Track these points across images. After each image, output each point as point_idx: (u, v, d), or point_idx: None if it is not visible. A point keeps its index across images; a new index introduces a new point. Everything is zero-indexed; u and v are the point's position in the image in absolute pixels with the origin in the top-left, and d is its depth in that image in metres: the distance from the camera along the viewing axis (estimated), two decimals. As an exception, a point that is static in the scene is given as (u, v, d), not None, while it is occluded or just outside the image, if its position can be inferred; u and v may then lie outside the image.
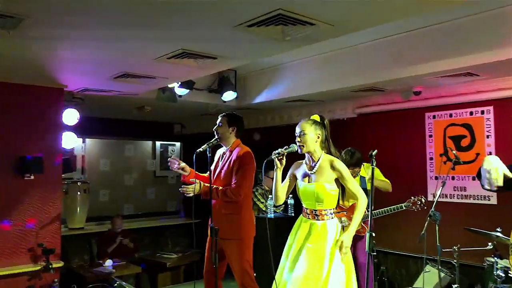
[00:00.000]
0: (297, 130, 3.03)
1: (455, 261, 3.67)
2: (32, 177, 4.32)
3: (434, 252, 3.60)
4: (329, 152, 3.07)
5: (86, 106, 5.87)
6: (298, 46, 3.22)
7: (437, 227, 3.53)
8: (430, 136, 4.97)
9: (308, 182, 3.02)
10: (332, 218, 2.99)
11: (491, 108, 4.48)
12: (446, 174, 4.77)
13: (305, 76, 5.19)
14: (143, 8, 2.43)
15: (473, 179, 4.62)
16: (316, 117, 3.09)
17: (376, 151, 2.61)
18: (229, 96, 5.60)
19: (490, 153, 4.45)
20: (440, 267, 3.86)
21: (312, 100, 5.74)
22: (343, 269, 2.82)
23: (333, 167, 2.96)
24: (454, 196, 4.79)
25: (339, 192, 3.03)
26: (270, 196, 5.27)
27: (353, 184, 2.97)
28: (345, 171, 2.97)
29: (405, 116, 5.18)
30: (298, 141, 2.99)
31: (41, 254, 4.25)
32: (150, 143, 8.18)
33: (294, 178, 3.17)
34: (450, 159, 4.85)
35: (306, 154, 3.06)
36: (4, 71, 3.96)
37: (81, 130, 6.81)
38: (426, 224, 3.56)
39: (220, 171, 3.70)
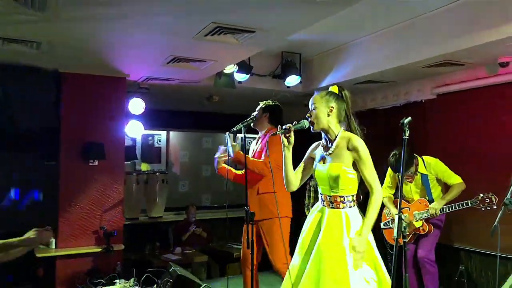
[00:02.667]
0: (310, 103, 2.62)
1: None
2: (96, 162, 4.54)
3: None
4: (349, 129, 2.59)
5: (161, 98, 6.12)
6: (335, 11, 2.87)
7: (515, 218, 2.92)
8: (523, 115, 4.19)
9: (323, 163, 2.60)
10: (351, 207, 2.52)
11: None
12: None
13: (372, 54, 4.73)
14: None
15: None
16: (334, 88, 2.64)
17: (409, 118, 2.16)
18: (292, 80, 5.35)
19: None
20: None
21: (383, 82, 5.23)
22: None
23: (350, 146, 2.48)
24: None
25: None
26: None
27: (370, 172, 2.44)
28: (364, 151, 2.45)
29: (492, 93, 4.44)
30: (309, 117, 2.57)
31: (102, 237, 4.44)
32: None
33: (311, 161, 2.72)
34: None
35: (322, 133, 2.63)
36: (68, 61, 4.21)
37: (162, 123, 7.29)
38: (500, 214, 2.95)
39: (253, 154, 3.75)
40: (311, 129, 2.60)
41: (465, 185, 3.96)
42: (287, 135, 2.55)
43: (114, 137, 4.66)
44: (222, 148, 3.80)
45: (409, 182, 4.10)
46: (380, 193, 2.45)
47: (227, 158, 3.67)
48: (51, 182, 4.70)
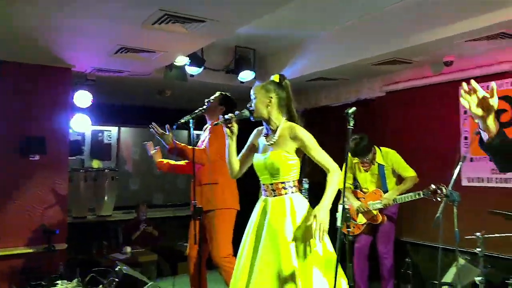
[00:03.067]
0: (251, 93, 2.61)
1: (478, 250, 3.12)
2: (36, 157, 4.29)
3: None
4: (290, 119, 2.58)
5: (111, 92, 5.90)
6: (283, 3, 2.85)
7: (455, 210, 3.00)
8: (465, 112, 4.36)
9: (264, 153, 2.57)
10: (294, 192, 2.49)
11: (536, 76, 3.84)
12: (483, 154, 4.21)
13: (325, 51, 4.78)
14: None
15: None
16: (275, 77, 2.62)
17: (354, 108, 2.16)
18: (246, 76, 5.30)
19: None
20: (467, 258, 3.33)
21: (336, 79, 5.30)
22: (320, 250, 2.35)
23: (293, 135, 2.47)
24: (492, 180, 4.16)
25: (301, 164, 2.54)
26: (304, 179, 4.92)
27: (319, 154, 2.43)
28: (308, 138, 2.45)
29: (437, 91, 4.60)
30: (249, 106, 2.57)
31: (43, 236, 4.20)
32: (182, 132, 8.08)
33: (253, 148, 2.69)
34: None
35: (265, 125, 2.61)
36: (6, 49, 3.94)
37: (113, 118, 7.04)
38: (442, 206, 3.03)
39: (199, 145, 3.69)
40: (251, 119, 2.58)
41: (418, 179, 4.06)
42: (229, 125, 2.53)
43: (57, 131, 4.43)
44: (147, 145, 3.87)
45: (364, 170, 4.15)
46: (337, 170, 2.43)
47: (159, 152, 3.75)
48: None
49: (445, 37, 3.53)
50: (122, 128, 7.51)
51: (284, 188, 2.48)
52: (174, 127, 3.28)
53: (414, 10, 3.74)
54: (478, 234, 3.19)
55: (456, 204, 3.01)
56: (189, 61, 4.71)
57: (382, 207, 4.00)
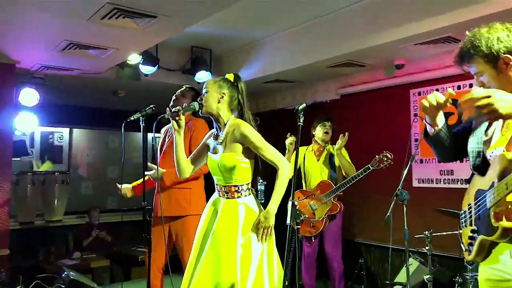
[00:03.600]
0: (202, 88, 2.55)
1: (427, 248, 3.19)
2: (-24, 158, 4.04)
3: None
4: (241, 118, 2.52)
5: (61, 91, 5.66)
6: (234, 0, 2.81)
7: (404, 208, 3.06)
8: (415, 115, 4.48)
9: (215, 153, 2.52)
10: (247, 195, 2.43)
11: (481, 80, 3.99)
12: (432, 156, 4.34)
13: (281, 52, 4.79)
14: None
15: (461, 161, 4.12)
16: (229, 76, 2.58)
17: (304, 105, 2.15)
18: (202, 76, 5.23)
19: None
20: (417, 258, 3.40)
21: (292, 81, 5.34)
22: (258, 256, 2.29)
23: (239, 133, 2.40)
24: (441, 181, 4.29)
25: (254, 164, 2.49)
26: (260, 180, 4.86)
27: (268, 151, 2.37)
28: (254, 136, 2.38)
29: (389, 94, 4.71)
30: (200, 100, 2.51)
31: (-17, 240, 3.95)
32: (137, 134, 7.88)
33: (206, 148, 2.62)
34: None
35: (213, 121, 2.55)
36: None
37: (64, 119, 6.76)
38: (392, 205, 3.08)
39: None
40: (200, 112, 2.52)
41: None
42: (176, 118, 2.44)
43: (-1, 130, 4.19)
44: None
45: (317, 159, 4.17)
46: (286, 165, 2.39)
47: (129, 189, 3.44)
48: None
49: (393, 40, 3.63)
50: (75, 130, 7.25)
51: (237, 191, 2.42)
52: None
53: (366, 13, 3.82)
54: (426, 232, 3.27)
55: (405, 203, 3.07)
56: (142, 59, 4.59)
57: (336, 193, 3.97)
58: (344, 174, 4.05)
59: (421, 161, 4.47)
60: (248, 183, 2.45)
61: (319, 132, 4.18)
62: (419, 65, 4.34)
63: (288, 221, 1.96)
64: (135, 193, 3.47)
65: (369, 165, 3.80)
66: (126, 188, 3.45)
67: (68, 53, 3.97)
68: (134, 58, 4.42)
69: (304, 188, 4.22)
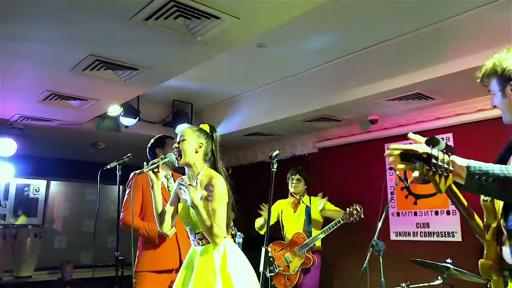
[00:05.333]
0: (178, 135, 2.49)
1: (403, 300, 3.16)
2: None
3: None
4: (214, 168, 2.48)
5: (40, 143, 5.63)
6: (216, 52, 2.95)
7: (381, 259, 3.06)
8: (391, 168, 4.57)
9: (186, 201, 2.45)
10: (225, 237, 2.38)
11: (450, 135, 4.15)
12: (409, 209, 4.40)
13: (259, 107, 4.95)
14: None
15: (436, 213, 4.20)
16: (205, 126, 2.59)
17: (277, 151, 2.20)
18: (182, 128, 5.30)
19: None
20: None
21: (271, 135, 5.46)
22: None
23: (208, 182, 2.38)
24: (417, 234, 4.32)
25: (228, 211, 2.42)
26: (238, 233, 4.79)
27: (217, 209, 2.31)
28: (219, 188, 2.34)
29: (365, 148, 4.84)
30: (176, 148, 2.44)
31: None
32: (114, 187, 7.78)
33: (178, 198, 2.55)
34: (412, 193, 4.46)
35: (186, 169, 2.50)
36: None
37: (42, 171, 6.68)
38: (368, 256, 3.07)
39: None
40: (175, 162, 2.47)
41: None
42: (155, 170, 2.44)
43: (-27, 180, 4.11)
44: None
45: (293, 211, 4.17)
46: (220, 236, 2.30)
47: None
48: None
49: (365, 96, 3.81)
50: (52, 182, 7.14)
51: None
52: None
53: (338, 71, 4.02)
54: (403, 284, 3.25)
55: (381, 254, 3.07)
56: (123, 111, 4.66)
57: (309, 246, 3.97)
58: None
59: (398, 214, 4.52)
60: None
61: (290, 186, 4.25)
62: (392, 120, 4.51)
63: (261, 268, 1.94)
64: None
65: (339, 219, 3.86)
66: None
67: (49, 103, 4.02)
68: (114, 110, 4.47)
69: (283, 240, 4.19)
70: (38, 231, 6.45)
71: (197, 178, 2.43)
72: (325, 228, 3.92)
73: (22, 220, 6.68)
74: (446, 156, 1.30)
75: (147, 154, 3.45)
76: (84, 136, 5.38)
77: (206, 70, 3.97)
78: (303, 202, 4.20)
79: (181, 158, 2.43)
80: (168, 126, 5.41)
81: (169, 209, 2.56)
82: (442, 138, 1.33)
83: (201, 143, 2.47)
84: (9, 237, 6.08)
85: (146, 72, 3.26)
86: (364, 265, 3.03)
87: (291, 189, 4.22)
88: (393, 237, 4.50)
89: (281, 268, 3.93)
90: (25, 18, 2.48)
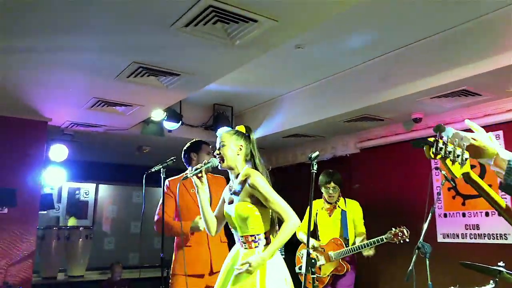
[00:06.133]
0: (217, 141, 2.53)
1: (452, 304, 3.04)
2: (5, 210, 4.18)
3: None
4: (254, 167, 2.51)
5: (89, 148, 5.89)
6: (255, 55, 2.98)
7: (427, 262, 2.96)
8: (437, 168, 4.44)
9: (230, 204, 2.52)
10: (265, 245, 2.39)
11: (500, 132, 3.97)
12: (456, 210, 4.25)
13: (299, 108, 4.93)
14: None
15: (486, 215, 4.02)
16: (241, 128, 2.59)
17: (317, 153, 2.19)
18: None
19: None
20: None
21: (312, 136, 5.42)
22: None
23: (248, 183, 2.39)
24: (466, 236, 4.16)
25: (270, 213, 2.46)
26: None
27: (276, 204, 2.33)
28: (262, 186, 2.35)
29: (409, 148, 4.68)
30: (217, 154, 2.48)
31: (5, 293, 3.99)
32: (159, 190, 7.98)
33: (224, 203, 2.61)
34: (460, 193, 4.31)
35: (229, 172, 2.54)
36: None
37: (91, 175, 6.98)
38: (414, 258, 2.99)
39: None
40: (219, 167, 2.52)
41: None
42: (199, 175, 2.50)
43: (28, 184, 4.36)
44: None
45: (328, 215, 4.09)
46: (293, 219, 2.32)
47: None
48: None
49: (408, 95, 3.70)
50: (100, 186, 7.44)
51: (254, 241, 2.39)
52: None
53: (380, 69, 3.94)
54: (452, 288, 3.14)
55: (428, 256, 2.98)
56: (166, 116, 4.79)
57: (346, 255, 3.89)
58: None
59: (445, 215, 4.37)
60: (266, 232, 2.43)
61: (324, 193, 4.08)
62: (437, 118, 4.36)
63: (303, 270, 1.95)
64: None
65: (383, 237, 3.70)
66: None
67: (96, 110, 4.20)
68: (158, 115, 4.61)
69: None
70: (88, 232, 6.71)
71: (237, 180, 2.49)
72: (366, 242, 3.78)
73: (73, 222, 7.00)
74: (461, 143, 1.37)
75: (182, 157, 3.53)
76: (130, 141, 5.57)
77: (245, 73, 4.01)
78: (338, 206, 4.11)
79: (223, 162, 2.48)
80: (210, 130, 5.50)
81: (218, 214, 2.63)
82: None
83: (241, 145, 2.50)
84: (62, 239, 6.37)
85: (187, 77, 3.34)
86: (410, 267, 2.95)
87: (327, 198, 4.06)
88: (440, 239, 4.35)
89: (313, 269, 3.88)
90: (73, 31, 2.62)
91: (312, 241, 3.94)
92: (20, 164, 4.34)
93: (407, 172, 4.74)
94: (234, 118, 5.64)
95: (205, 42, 2.71)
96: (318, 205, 4.20)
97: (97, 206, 7.38)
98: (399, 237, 3.62)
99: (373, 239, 3.75)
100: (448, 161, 1.38)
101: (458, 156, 1.37)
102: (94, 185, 7.35)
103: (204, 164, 2.53)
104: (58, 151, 4.87)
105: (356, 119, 4.56)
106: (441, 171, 3.65)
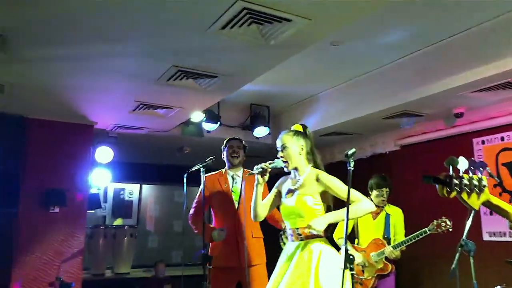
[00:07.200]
0: (278, 144, 2.68)
1: (498, 303, 2.95)
2: (56, 210, 4.42)
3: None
4: (315, 165, 2.67)
5: (132, 150, 6.11)
6: (290, 54, 3.01)
7: (471, 260, 2.88)
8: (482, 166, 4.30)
9: (289, 198, 2.64)
10: (320, 237, 2.52)
11: (548, 126, 3.82)
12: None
13: (336, 106, 4.91)
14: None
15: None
16: (297, 127, 2.73)
17: (354, 150, 2.20)
18: (261, 131, 5.45)
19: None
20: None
21: (349, 133, 5.38)
22: None
23: (318, 180, 2.55)
24: (513, 234, 4.02)
25: (325, 208, 2.58)
26: None
27: (351, 193, 2.34)
28: (332, 181, 2.52)
29: (451, 144, 4.59)
30: (281, 157, 2.63)
31: (59, 288, 4.22)
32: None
33: (278, 194, 2.77)
34: (507, 190, 4.15)
35: (292, 171, 2.68)
36: (34, 107, 4.23)
37: (134, 176, 7.23)
38: (457, 256, 2.91)
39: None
40: (285, 169, 2.64)
41: None
42: (262, 174, 2.61)
43: (77, 185, 4.58)
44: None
45: (372, 218, 4.05)
46: (367, 201, 2.48)
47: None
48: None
49: (448, 89, 3.61)
50: (144, 186, 7.69)
51: (311, 232, 2.49)
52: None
53: (418, 64, 3.87)
54: (498, 287, 3.05)
55: (472, 254, 2.90)
56: (205, 117, 4.91)
57: (386, 255, 3.84)
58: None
59: (491, 213, 4.22)
60: None
61: (375, 197, 4.00)
62: (480, 113, 4.24)
63: (341, 265, 1.97)
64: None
65: (426, 229, 3.66)
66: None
67: (138, 113, 4.37)
68: (197, 116, 4.73)
69: (355, 244, 4.11)
70: (133, 231, 6.95)
71: (302, 177, 2.59)
72: (409, 237, 3.74)
73: (119, 221, 7.28)
74: (476, 173, 1.25)
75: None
76: (171, 142, 5.73)
77: (281, 72, 4.04)
78: (385, 210, 4.06)
79: (288, 164, 2.61)
80: (247, 130, 5.58)
81: (268, 202, 2.76)
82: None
83: (302, 146, 2.64)
84: (109, 237, 6.64)
85: (224, 79, 3.42)
86: (453, 265, 2.89)
87: (379, 202, 3.98)
88: (486, 237, 4.22)
89: (355, 272, 3.85)
90: (117, 38, 2.76)
91: (354, 254, 3.92)
92: (69, 166, 4.57)
93: (448, 169, 4.61)
94: (271, 118, 5.68)
95: (240, 43, 2.77)
96: None
97: (141, 206, 7.62)
98: (442, 227, 3.59)
99: (416, 233, 3.71)
100: (464, 195, 1.30)
101: (475, 186, 1.28)
102: (138, 185, 7.60)
103: (270, 163, 2.64)
104: (104, 153, 5.07)
105: (395, 116, 4.49)
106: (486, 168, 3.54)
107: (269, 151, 6.16)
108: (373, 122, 4.78)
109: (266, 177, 2.64)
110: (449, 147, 4.62)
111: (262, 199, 2.71)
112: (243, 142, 3.77)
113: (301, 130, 2.70)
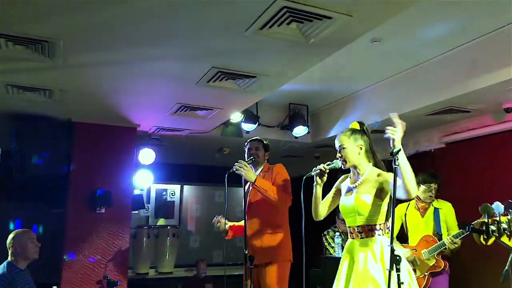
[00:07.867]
0: (336, 145, 2.65)
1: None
2: (103, 210, 4.57)
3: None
4: (375, 163, 2.64)
5: (173, 151, 6.24)
6: (330, 52, 2.97)
7: (525, 262, 2.74)
8: (534, 161, 4.10)
9: (349, 196, 2.61)
10: (382, 235, 2.45)
11: None
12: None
13: (376, 103, 4.80)
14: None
15: None
16: (355, 125, 2.69)
17: (399, 147, 2.14)
18: (300, 131, 5.42)
19: None
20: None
21: (391, 131, 5.24)
22: None
23: (379, 176, 2.53)
24: None
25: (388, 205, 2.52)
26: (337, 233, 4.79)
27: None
28: (391, 175, 2.44)
29: (500, 140, 4.38)
30: (340, 157, 2.60)
31: (106, 287, 4.35)
32: (240, 189, 8.21)
33: (338, 193, 2.76)
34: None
35: (351, 168, 2.65)
36: (81, 110, 4.39)
37: (176, 176, 7.38)
38: (510, 258, 2.77)
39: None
40: (343, 168, 2.62)
41: None
42: (320, 175, 2.61)
43: (121, 186, 4.72)
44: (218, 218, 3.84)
45: (421, 215, 3.94)
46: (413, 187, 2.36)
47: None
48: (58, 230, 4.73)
49: (498, 83, 3.45)
50: (185, 186, 7.82)
51: (371, 230, 2.47)
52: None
53: (464, 58, 3.72)
54: (556, 291, 2.87)
55: (525, 257, 2.76)
56: (244, 118, 4.94)
57: (441, 250, 3.72)
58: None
59: (546, 212, 4.00)
60: (382, 224, 2.48)
61: (423, 193, 3.92)
62: (532, 107, 4.02)
63: (387, 266, 1.92)
64: (232, 233, 3.75)
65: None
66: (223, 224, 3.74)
67: (179, 115, 4.45)
68: (236, 117, 4.77)
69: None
70: (175, 231, 7.09)
71: (362, 176, 2.56)
72: (459, 231, 3.62)
73: (161, 221, 7.44)
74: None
75: None
76: (211, 143, 5.80)
77: (320, 70, 4.00)
78: (433, 205, 3.95)
79: (346, 163, 2.59)
80: (286, 129, 5.56)
81: (328, 200, 2.76)
82: None
83: (361, 145, 2.61)
84: (152, 237, 6.81)
85: (263, 79, 3.42)
86: (506, 267, 2.76)
87: (426, 198, 3.91)
88: (540, 238, 3.99)
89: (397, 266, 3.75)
90: (159, 41, 2.82)
91: (402, 251, 3.83)
92: (114, 167, 4.72)
93: (500, 166, 4.42)
94: (310, 117, 5.64)
95: (280, 43, 2.76)
96: (403, 208, 4.07)
97: (182, 206, 7.75)
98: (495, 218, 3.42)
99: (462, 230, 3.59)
100: (504, 238, 1.23)
101: None
102: (179, 186, 7.73)
103: (327, 165, 2.63)
104: (147, 155, 5.21)
105: (440, 112, 4.34)
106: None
107: (308, 150, 6.13)
108: (417, 119, 4.63)
109: (324, 178, 2.62)
110: (498, 143, 4.42)
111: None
112: (263, 141, 3.75)
113: (358, 128, 2.66)
